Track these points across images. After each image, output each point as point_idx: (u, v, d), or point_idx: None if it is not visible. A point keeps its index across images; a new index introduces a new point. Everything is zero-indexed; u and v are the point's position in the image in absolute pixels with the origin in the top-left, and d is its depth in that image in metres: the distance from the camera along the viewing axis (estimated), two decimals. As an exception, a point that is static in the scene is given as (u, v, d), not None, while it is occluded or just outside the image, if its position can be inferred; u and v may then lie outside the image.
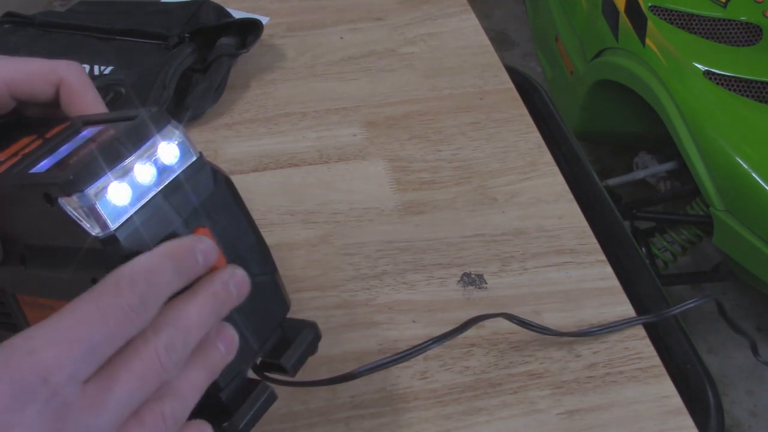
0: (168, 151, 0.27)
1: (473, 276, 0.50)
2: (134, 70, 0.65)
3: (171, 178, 0.28)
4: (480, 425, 0.42)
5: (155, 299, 0.24)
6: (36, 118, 0.35)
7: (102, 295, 0.23)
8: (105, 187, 0.25)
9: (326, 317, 0.47)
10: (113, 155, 0.26)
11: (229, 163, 0.59)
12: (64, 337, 0.22)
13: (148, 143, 0.27)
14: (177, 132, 0.28)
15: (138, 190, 0.26)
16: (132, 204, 0.26)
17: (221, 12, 0.71)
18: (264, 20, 0.76)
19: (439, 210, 0.55)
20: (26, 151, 0.30)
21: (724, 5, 1.14)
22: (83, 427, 0.22)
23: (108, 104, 0.34)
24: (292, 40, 0.74)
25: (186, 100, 0.64)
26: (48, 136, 0.31)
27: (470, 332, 0.46)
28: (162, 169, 0.27)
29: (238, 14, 0.72)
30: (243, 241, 0.30)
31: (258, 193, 0.57)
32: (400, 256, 0.52)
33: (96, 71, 0.66)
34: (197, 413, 0.30)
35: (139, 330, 0.24)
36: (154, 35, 0.68)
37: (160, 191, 0.27)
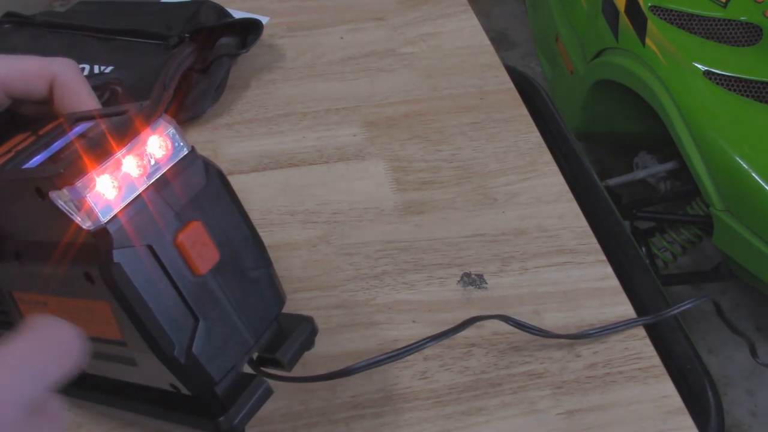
0: (159, 144, 0.27)
1: (473, 276, 0.50)
2: (134, 70, 0.65)
3: (163, 172, 0.28)
4: (480, 425, 0.42)
5: None
6: (31, 116, 0.35)
7: None
8: (96, 181, 0.25)
9: (326, 317, 0.47)
10: (104, 149, 0.26)
11: (229, 163, 0.59)
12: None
13: (140, 137, 0.27)
14: (168, 126, 0.28)
15: (129, 183, 0.26)
16: (123, 197, 0.26)
17: (221, 12, 0.71)
18: (264, 20, 0.76)
19: (439, 210, 0.55)
20: (20, 147, 0.30)
21: (724, 5, 1.14)
22: None
23: (104, 104, 0.34)
24: (292, 40, 0.74)
25: (186, 100, 0.63)
26: (41, 132, 0.31)
27: (470, 332, 0.46)
28: (153, 163, 0.27)
29: (238, 14, 0.72)
30: (237, 234, 0.30)
31: (258, 193, 0.57)
32: (400, 256, 0.52)
33: (96, 71, 0.66)
34: (191, 407, 0.30)
35: None
36: (154, 35, 0.68)
37: (151, 184, 0.27)
